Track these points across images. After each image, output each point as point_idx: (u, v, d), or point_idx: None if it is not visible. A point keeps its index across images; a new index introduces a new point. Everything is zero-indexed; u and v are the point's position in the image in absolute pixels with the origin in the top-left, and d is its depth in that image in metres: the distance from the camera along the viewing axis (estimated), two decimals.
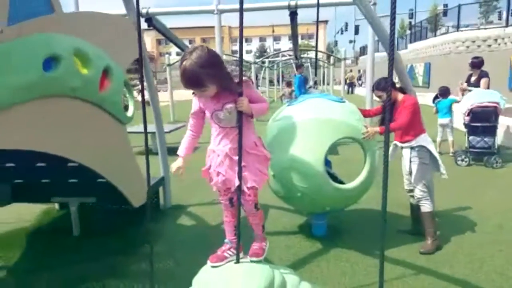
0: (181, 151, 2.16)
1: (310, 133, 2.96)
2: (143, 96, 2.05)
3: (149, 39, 60.95)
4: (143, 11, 6.34)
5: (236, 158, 1.87)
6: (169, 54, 16.01)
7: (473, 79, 6.39)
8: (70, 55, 2.29)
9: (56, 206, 4.29)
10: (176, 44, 7.89)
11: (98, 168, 2.59)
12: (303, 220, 3.82)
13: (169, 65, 14.42)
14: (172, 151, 4.72)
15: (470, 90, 6.29)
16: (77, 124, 2.43)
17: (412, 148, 3.16)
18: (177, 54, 37.37)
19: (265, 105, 1.99)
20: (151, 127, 4.46)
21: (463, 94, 6.41)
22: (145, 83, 3.95)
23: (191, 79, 1.79)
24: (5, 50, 1.83)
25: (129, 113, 3.21)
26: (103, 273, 2.88)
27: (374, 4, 5.92)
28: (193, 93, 1.98)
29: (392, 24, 1.55)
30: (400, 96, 3.22)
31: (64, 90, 2.26)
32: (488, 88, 6.25)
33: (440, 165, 3.19)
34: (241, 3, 1.72)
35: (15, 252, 3.31)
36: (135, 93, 4.03)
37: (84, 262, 3.08)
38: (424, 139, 3.16)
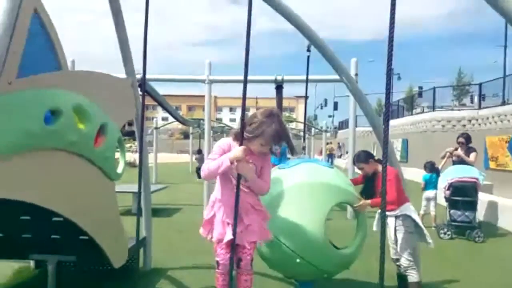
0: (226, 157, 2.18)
1: (307, 197, 2.97)
2: (141, 154, 2.10)
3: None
4: (138, 76, 6.66)
5: (247, 213, 1.96)
6: (156, 118, 16.50)
7: (459, 152, 6.67)
8: (70, 110, 2.37)
9: (32, 264, 4.04)
10: (166, 109, 8.14)
11: (84, 224, 2.52)
12: None
13: (156, 128, 14.78)
14: (153, 211, 4.67)
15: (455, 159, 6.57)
16: (69, 178, 2.42)
17: (396, 217, 3.21)
18: (163, 119, 38.24)
19: (266, 187, 2.16)
20: (135, 187, 4.43)
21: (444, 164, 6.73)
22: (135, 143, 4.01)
23: (282, 136, 2.24)
24: (10, 101, 1.90)
25: (119, 169, 3.21)
26: None
27: (356, 82, 6.38)
28: (235, 139, 2.25)
29: (388, 93, 1.70)
30: (379, 167, 3.34)
31: (62, 144, 2.29)
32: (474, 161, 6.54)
33: (425, 234, 3.22)
34: (246, 73, 1.87)
35: None
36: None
37: None
38: (407, 208, 3.23)
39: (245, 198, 2.07)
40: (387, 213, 3.25)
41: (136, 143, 4.00)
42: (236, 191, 1.93)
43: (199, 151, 15.07)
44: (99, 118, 2.72)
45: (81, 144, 2.48)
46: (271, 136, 2.14)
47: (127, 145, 22.51)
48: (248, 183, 2.12)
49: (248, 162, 2.15)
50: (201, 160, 13.91)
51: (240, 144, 2.09)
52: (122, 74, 3.76)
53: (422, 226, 3.26)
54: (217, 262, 2.07)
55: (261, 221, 2.11)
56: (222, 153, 2.17)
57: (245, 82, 2.08)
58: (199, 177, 13.47)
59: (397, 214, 3.20)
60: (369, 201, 3.15)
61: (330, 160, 28.73)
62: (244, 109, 2.13)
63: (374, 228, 3.27)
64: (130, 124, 3.96)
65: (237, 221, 2.02)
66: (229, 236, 2.02)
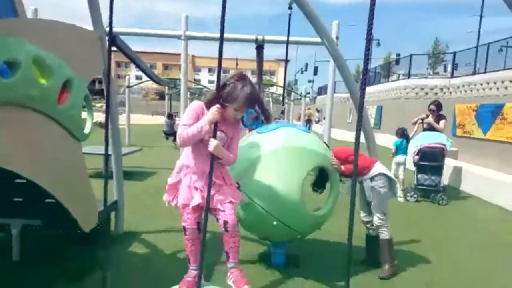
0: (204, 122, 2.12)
1: (285, 161, 2.97)
2: (107, 114, 1.98)
3: None
4: (107, 29, 6.24)
5: (217, 180, 1.96)
6: (129, 76, 15.72)
7: (430, 119, 6.84)
8: (30, 62, 2.16)
9: None
10: (139, 66, 7.77)
11: (49, 186, 2.39)
12: (263, 249, 3.75)
13: (128, 86, 14.13)
14: (125, 175, 4.55)
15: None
16: (30, 137, 2.25)
17: (371, 178, 3.27)
18: (136, 77, 36.74)
19: (233, 159, 2.19)
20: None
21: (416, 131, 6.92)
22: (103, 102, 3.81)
23: (255, 99, 2.23)
24: None
25: (86, 129, 3.03)
26: None
27: (337, 38, 6.26)
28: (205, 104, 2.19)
29: (366, 63, 1.64)
30: None
31: (19, 99, 2.10)
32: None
33: (397, 188, 3.35)
34: (222, 30, 1.74)
35: None
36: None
37: None
38: (379, 167, 3.32)
39: (219, 169, 2.06)
40: (363, 177, 3.30)
41: None
42: (210, 167, 1.91)
43: (170, 116, 14.49)
44: (63, 73, 2.51)
45: (42, 100, 2.29)
46: (245, 100, 2.07)
47: (98, 105, 21.50)
48: (221, 159, 2.09)
49: (220, 130, 2.10)
50: (170, 126, 13.57)
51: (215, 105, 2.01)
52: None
53: (394, 178, 3.40)
54: (184, 227, 2.04)
55: (231, 181, 2.12)
56: (197, 118, 2.08)
57: (221, 40, 1.95)
58: (167, 138, 13.44)
59: (372, 175, 3.27)
60: (343, 167, 3.20)
61: (308, 126, 29.16)
62: (220, 69, 2.02)
63: (344, 192, 3.34)
64: (100, 82, 3.75)
65: (214, 188, 2.00)
66: (197, 200, 1.98)
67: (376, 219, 3.29)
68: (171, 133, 13.34)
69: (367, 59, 1.70)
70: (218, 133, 2.05)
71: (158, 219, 4.65)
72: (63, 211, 2.66)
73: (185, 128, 2.08)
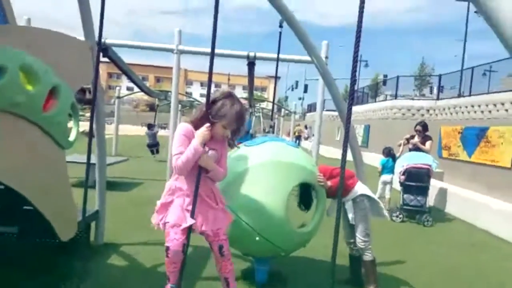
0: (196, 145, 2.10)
1: (272, 175, 2.95)
2: (91, 122, 1.96)
3: (100, 72, 59.56)
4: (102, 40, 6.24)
5: (209, 200, 1.98)
6: (119, 87, 15.69)
7: (416, 140, 6.95)
8: (16, 68, 2.14)
9: None
10: (130, 78, 7.77)
11: (28, 193, 2.34)
12: (246, 265, 3.70)
13: (118, 97, 14.11)
14: (109, 185, 4.47)
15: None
16: (11, 142, 2.21)
17: (353, 200, 3.26)
18: (128, 88, 36.64)
19: (224, 174, 2.26)
20: (92, 158, 4.20)
21: (402, 151, 6.99)
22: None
23: (243, 117, 2.24)
24: None
25: (71, 137, 3.00)
26: None
27: (326, 64, 6.36)
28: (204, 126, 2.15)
29: (353, 84, 1.68)
30: None
31: (5, 105, 2.08)
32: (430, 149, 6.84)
33: (381, 207, 3.34)
34: (213, 46, 1.75)
35: None
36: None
37: None
38: (361, 187, 3.31)
39: (210, 186, 2.06)
40: (345, 198, 3.29)
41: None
42: (197, 180, 1.92)
43: (150, 126, 13.42)
44: (50, 80, 2.50)
45: (28, 107, 2.26)
46: (235, 117, 2.08)
47: (87, 114, 21.33)
48: (210, 173, 2.09)
49: (210, 149, 2.13)
50: (152, 137, 12.70)
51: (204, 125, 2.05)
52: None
53: (377, 199, 3.38)
54: (168, 248, 1.99)
55: (222, 205, 2.10)
56: (188, 142, 2.05)
57: (212, 55, 1.97)
58: (152, 152, 12.57)
59: (353, 196, 3.25)
60: (329, 182, 3.19)
61: (297, 142, 29.37)
62: (210, 85, 2.03)
63: (327, 214, 3.33)
64: (91, 92, 3.72)
65: (206, 209, 1.99)
66: (189, 221, 1.95)
67: (360, 241, 3.24)
68: (154, 144, 12.68)
69: (354, 80, 1.74)
70: (210, 152, 2.06)
71: (140, 231, 4.56)
72: (41, 219, 2.60)
73: (178, 157, 2.04)
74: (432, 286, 3.73)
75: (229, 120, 2.08)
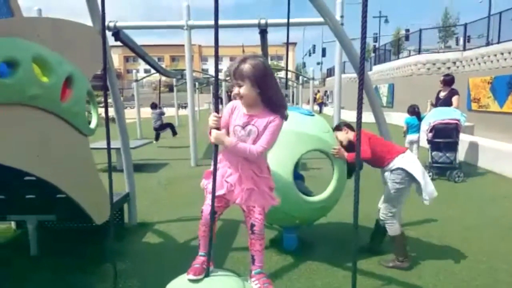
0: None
1: (280, 144, 2.93)
2: (106, 107, 1.97)
3: (116, 56, 60.12)
4: (110, 24, 6.25)
5: (245, 177, 1.98)
6: (137, 71, 15.77)
7: (442, 94, 6.69)
8: (29, 61, 2.17)
9: (13, 225, 4.01)
10: (144, 59, 7.78)
11: (58, 182, 2.43)
12: (274, 234, 3.76)
13: (136, 80, 14.21)
14: (138, 167, 4.60)
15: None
16: (35, 135, 2.28)
17: (391, 171, 3.11)
18: (145, 71, 36.94)
19: (251, 151, 1.97)
20: (116, 143, 4.31)
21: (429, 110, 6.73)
22: (110, 97, 3.82)
23: (239, 71, 1.96)
24: None
25: (92, 125, 3.07)
26: None
27: (342, 24, 6.12)
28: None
29: (363, 42, 1.60)
30: (351, 135, 3.29)
31: (23, 98, 2.13)
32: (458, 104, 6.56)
33: (422, 189, 3.02)
34: (216, 19, 1.70)
35: None
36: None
37: (43, 282, 2.88)
38: (400, 161, 3.07)
39: (248, 165, 2.00)
40: (383, 168, 3.15)
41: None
42: (214, 154, 1.89)
43: (154, 106, 11.75)
44: (64, 69, 2.53)
45: (46, 98, 2.31)
46: (252, 70, 1.91)
47: (109, 100, 21.62)
48: (230, 150, 2.00)
49: (245, 124, 1.99)
50: (157, 117, 11.23)
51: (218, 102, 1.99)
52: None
53: (420, 180, 3.00)
54: (202, 211, 2.04)
55: (264, 187, 2.03)
56: (227, 117, 2.03)
57: (216, 27, 1.90)
58: (157, 139, 11.36)
59: (391, 168, 3.09)
60: (346, 154, 3.13)
61: (320, 109, 28.84)
62: (217, 61, 1.97)
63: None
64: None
65: (244, 185, 1.97)
66: (221, 191, 1.96)
67: (382, 210, 3.14)
68: (162, 127, 11.40)
69: (363, 42, 1.67)
70: (250, 127, 1.98)
71: (171, 209, 4.72)
72: (75, 206, 2.72)
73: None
74: (466, 241, 3.67)
75: (249, 75, 1.92)
